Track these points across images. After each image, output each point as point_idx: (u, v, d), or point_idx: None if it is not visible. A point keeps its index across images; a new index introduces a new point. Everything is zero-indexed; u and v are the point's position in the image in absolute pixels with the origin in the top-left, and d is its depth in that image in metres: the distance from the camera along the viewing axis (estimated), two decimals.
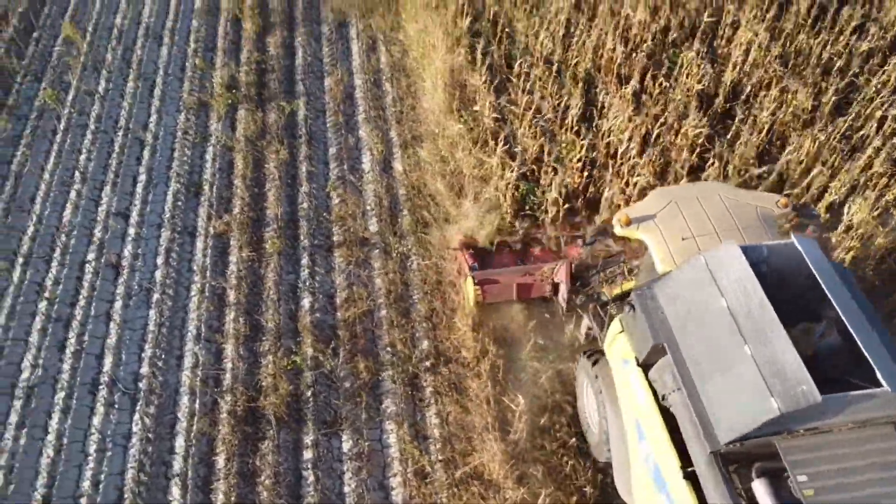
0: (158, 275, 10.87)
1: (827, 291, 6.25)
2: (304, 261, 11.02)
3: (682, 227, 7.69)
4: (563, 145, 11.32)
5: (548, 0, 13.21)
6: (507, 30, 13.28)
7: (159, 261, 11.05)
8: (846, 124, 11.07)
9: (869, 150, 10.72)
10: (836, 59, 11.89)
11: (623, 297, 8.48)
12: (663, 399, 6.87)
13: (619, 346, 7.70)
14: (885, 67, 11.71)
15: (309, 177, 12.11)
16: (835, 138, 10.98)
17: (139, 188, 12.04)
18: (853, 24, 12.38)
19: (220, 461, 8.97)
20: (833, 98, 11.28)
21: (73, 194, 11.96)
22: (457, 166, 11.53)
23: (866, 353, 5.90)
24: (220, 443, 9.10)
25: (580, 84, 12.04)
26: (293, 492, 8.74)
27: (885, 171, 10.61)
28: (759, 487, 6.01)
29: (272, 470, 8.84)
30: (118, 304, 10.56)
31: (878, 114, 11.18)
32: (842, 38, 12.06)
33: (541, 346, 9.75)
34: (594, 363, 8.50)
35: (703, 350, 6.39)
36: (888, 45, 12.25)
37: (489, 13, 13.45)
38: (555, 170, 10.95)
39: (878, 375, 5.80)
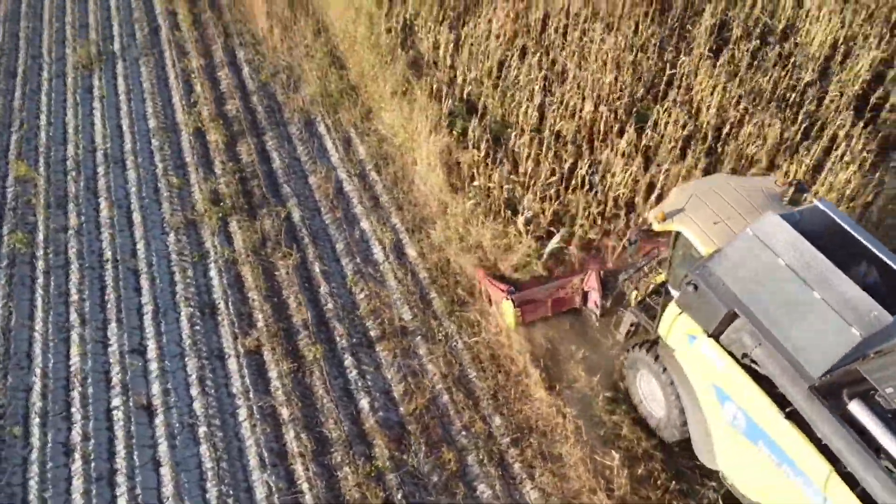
0: (198, 406, 10.18)
1: (861, 238, 7.35)
2: (348, 361, 10.71)
3: (710, 213, 8.55)
4: (574, 203, 11.83)
5: (511, 73, 13.91)
6: (484, 106, 13.81)
7: (194, 391, 10.36)
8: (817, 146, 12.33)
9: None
10: (790, 92, 13.25)
11: (657, 291, 9.63)
12: (743, 358, 7.81)
13: (681, 326, 8.52)
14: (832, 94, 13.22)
15: (325, 276, 11.88)
16: (806, 155, 12.17)
17: (147, 320, 11.32)
18: (792, 59, 13.88)
19: None
20: (801, 126, 12.54)
21: (74, 339, 11.06)
22: (476, 240, 11.72)
23: None
24: None
25: (568, 146, 12.70)
26: None
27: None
28: (856, 407, 7.02)
29: None
30: (163, 447, 9.76)
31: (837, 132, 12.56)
32: (785, 72, 13.51)
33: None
34: (650, 351, 9.30)
35: (775, 306, 7.34)
36: (819, 75, 13.81)
37: (461, 93, 13.97)
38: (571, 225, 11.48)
39: None
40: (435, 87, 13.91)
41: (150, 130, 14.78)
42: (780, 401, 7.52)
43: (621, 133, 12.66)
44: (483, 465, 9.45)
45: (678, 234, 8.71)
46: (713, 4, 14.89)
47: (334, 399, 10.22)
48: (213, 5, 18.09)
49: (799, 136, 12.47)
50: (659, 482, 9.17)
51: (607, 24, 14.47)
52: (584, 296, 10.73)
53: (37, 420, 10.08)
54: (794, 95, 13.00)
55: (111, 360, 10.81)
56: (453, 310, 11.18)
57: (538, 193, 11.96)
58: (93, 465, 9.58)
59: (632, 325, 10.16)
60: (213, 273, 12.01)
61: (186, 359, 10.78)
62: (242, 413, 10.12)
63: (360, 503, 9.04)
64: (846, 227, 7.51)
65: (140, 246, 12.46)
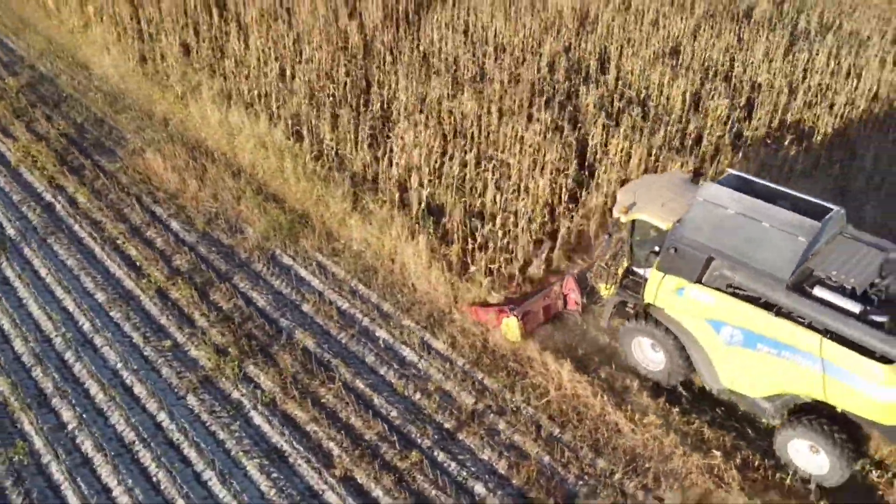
0: None
1: (766, 184, 10.68)
2: (442, 457, 10.86)
3: (656, 199, 11.35)
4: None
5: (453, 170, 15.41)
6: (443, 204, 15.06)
7: None
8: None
9: None
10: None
11: (627, 274, 12.04)
12: (727, 288, 10.13)
13: (667, 285, 10.88)
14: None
15: (373, 388, 11.95)
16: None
17: (216, 487, 10.45)
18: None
19: None
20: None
21: None
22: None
23: (806, 197, 10.31)
24: None
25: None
26: None
27: None
28: (819, 290, 9.67)
29: None
30: None
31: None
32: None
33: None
34: (642, 319, 11.54)
35: (739, 242, 10.10)
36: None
37: (420, 198, 15.04)
38: None
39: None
40: (387, 197, 14.91)
41: (103, 304, 13.74)
42: (765, 307, 10.01)
43: (572, 197, 14.72)
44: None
45: (633, 223, 11.42)
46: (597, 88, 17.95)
47: (451, 493, 10.29)
48: (104, 173, 17.37)
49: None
50: (756, 463, 10.56)
51: (527, 115, 16.72)
52: (565, 298, 12.94)
53: None
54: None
55: None
56: (514, 381, 11.89)
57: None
58: None
59: (614, 308, 12.21)
60: (258, 420, 11.47)
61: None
62: None
63: None
64: (755, 179, 10.90)
65: (162, 417, 11.51)
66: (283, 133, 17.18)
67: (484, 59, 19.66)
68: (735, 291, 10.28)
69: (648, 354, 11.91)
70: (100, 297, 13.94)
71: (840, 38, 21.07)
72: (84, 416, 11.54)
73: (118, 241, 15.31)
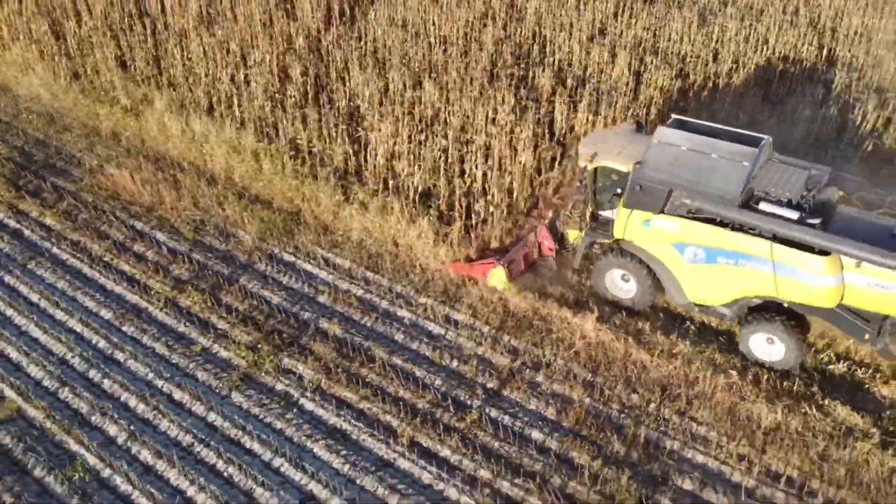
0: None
1: (705, 122, 12.95)
2: (494, 413, 11.65)
3: (612, 148, 13.06)
4: None
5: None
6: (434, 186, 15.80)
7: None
8: None
9: None
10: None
11: (594, 218, 13.69)
12: (689, 213, 11.97)
13: (634, 219, 12.62)
14: None
15: (413, 362, 12.54)
16: None
17: (290, 472, 10.76)
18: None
19: None
20: None
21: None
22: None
23: (739, 130, 12.54)
24: None
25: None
26: None
27: None
28: (763, 205, 11.71)
29: None
30: None
31: None
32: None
33: None
34: (617, 251, 13.18)
35: (694, 174, 11.94)
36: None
37: (415, 182, 15.68)
38: None
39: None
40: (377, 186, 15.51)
41: (112, 321, 13.51)
42: (721, 225, 11.94)
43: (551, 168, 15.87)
44: (659, 428, 11.34)
45: (595, 171, 13.06)
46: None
47: (512, 442, 11.12)
48: (69, 194, 16.79)
49: None
50: (766, 377, 12.08)
51: (493, 98, 17.71)
52: (540, 246, 14.45)
53: None
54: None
55: None
56: (541, 338, 12.84)
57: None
58: None
59: (586, 249, 13.87)
60: (310, 406, 11.82)
61: (360, 481, 10.62)
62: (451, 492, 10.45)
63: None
64: (695, 121, 12.99)
65: (213, 417, 11.62)
66: (254, 136, 17.29)
67: (430, 51, 20.47)
68: (695, 216, 12.13)
69: (619, 285, 13.65)
70: (106, 314, 13.66)
71: (739, 9, 23.50)
72: (132, 427, 11.45)
73: (106, 259, 14.97)
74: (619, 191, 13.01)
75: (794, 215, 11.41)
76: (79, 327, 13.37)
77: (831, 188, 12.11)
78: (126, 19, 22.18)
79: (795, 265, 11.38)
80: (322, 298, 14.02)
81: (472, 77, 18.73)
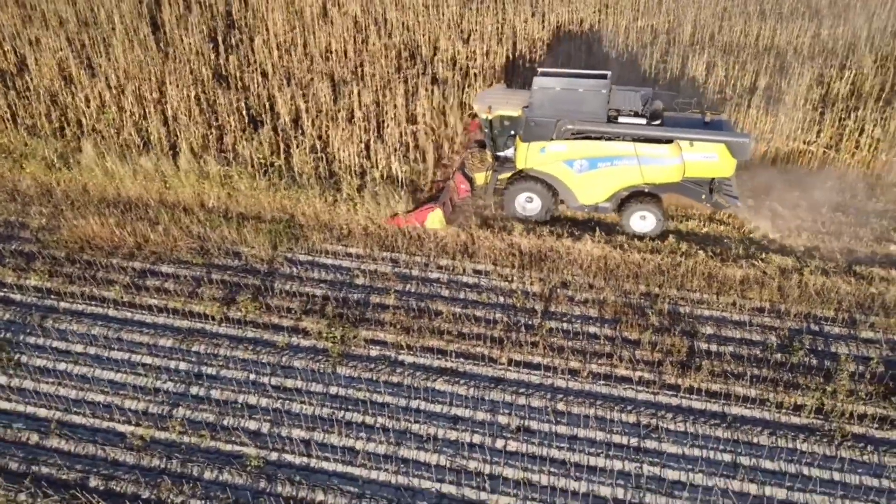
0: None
1: (567, 70, 16.95)
2: (554, 324, 14.47)
3: (499, 101, 17.16)
4: None
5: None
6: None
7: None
8: None
9: None
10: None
11: (495, 159, 17.98)
12: (573, 135, 16.49)
13: (533, 150, 16.76)
14: None
15: (466, 307, 14.86)
16: None
17: (421, 403, 12.62)
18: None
19: None
20: None
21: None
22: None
23: (586, 71, 16.87)
24: None
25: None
26: None
27: None
28: (623, 119, 16.43)
29: None
30: None
31: None
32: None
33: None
34: (519, 179, 17.19)
35: (571, 105, 16.16)
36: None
37: (399, 171, 17.71)
38: None
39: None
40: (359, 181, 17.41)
41: (175, 347, 13.98)
42: (597, 139, 16.42)
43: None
44: (672, 301, 15.00)
45: (491, 121, 17.03)
46: None
47: (581, 338, 14.03)
48: (32, 256, 16.29)
49: None
50: (711, 250, 16.30)
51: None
52: (458, 190, 17.99)
53: None
54: None
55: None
56: (555, 266, 15.86)
57: None
58: None
59: (497, 184, 17.72)
60: (410, 359, 13.65)
61: (487, 396, 12.81)
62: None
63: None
64: (555, 69, 16.92)
65: (334, 390, 12.98)
66: (215, 161, 18.06)
67: (322, 61, 22.47)
68: (576, 137, 16.39)
69: (525, 205, 17.46)
70: (165, 342, 14.06)
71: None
72: (272, 420, 12.44)
73: (126, 300, 15.11)
74: (512, 133, 17.15)
75: (643, 122, 16.15)
76: (148, 359, 13.68)
77: (657, 101, 16.84)
78: None
79: (652, 156, 16.17)
80: (360, 281, 15.67)
81: (388, 77, 21.13)
